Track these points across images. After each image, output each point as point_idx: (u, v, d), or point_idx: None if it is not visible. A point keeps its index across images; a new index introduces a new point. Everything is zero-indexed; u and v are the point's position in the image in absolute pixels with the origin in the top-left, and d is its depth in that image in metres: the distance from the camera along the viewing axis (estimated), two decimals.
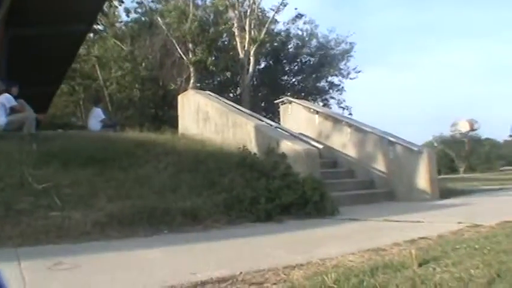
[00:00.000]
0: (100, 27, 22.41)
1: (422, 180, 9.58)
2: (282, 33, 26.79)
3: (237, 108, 11.22)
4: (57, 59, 13.06)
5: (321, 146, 8.98)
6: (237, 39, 22.87)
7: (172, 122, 14.65)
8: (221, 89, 23.06)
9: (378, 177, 10.35)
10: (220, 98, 12.39)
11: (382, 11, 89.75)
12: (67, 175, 6.64)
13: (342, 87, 27.40)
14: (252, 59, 22.86)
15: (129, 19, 24.02)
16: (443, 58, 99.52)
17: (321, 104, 25.69)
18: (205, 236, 5.49)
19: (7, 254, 4.24)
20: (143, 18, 23.84)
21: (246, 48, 22.58)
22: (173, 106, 15.06)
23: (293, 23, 26.45)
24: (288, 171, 7.67)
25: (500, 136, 57.83)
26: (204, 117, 11.37)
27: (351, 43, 26.91)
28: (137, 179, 7.03)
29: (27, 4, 10.13)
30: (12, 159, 6.88)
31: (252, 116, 10.62)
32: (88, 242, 4.97)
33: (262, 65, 27.20)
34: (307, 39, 27.14)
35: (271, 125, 10.02)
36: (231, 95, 25.09)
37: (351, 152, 11.02)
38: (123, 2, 22.95)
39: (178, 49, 21.99)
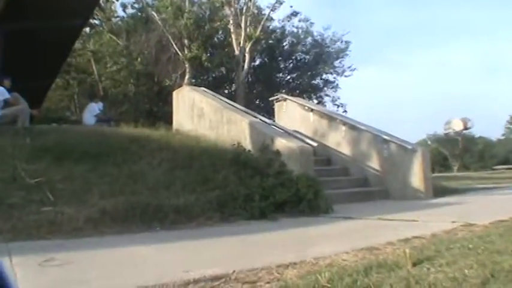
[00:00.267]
0: (96, 21, 22.32)
1: (417, 178, 9.59)
2: (278, 30, 26.76)
3: (232, 105, 11.21)
4: (53, 53, 12.96)
5: (315, 144, 8.97)
6: (233, 36, 22.82)
7: (167, 118, 14.60)
8: (216, 86, 22.97)
9: (372, 175, 10.36)
10: (215, 94, 12.35)
11: (378, 9, 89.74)
12: (60, 170, 6.60)
13: (337, 84, 27.43)
14: (247, 55, 22.82)
15: (125, 14, 23.96)
16: (438, 57, 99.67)
17: (316, 101, 25.64)
18: (198, 233, 5.47)
19: None
20: (139, 14, 23.76)
21: (241, 45, 22.55)
22: (168, 102, 15.02)
23: (288, 21, 26.42)
24: (282, 169, 7.66)
25: (494, 135, 58.09)
26: (199, 114, 11.34)
27: (346, 42, 26.94)
28: (131, 175, 7.00)
29: None
30: (5, 153, 6.84)
31: (247, 112, 10.60)
32: (80, 238, 4.95)
33: (258, 62, 27.15)
34: (302, 36, 27.10)
35: (265, 122, 10.00)
36: (226, 91, 25.00)
37: (345, 149, 11.02)
38: None
39: (174, 45, 21.93)
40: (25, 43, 11.26)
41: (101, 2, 18.03)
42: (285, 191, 6.98)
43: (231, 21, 22.72)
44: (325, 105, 25.41)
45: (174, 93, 13.27)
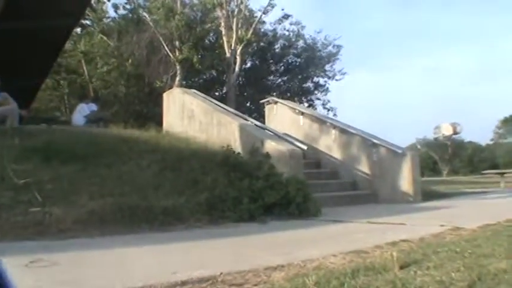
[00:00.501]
0: (88, 22, 22.24)
1: (406, 182, 9.64)
2: (269, 33, 26.77)
3: (222, 107, 11.20)
4: (43, 53, 12.89)
5: (305, 147, 8.99)
6: (224, 38, 22.78)
7: (157, 120, 14.55)
8: (207, 88, 22.92)
9: (361, 178, 10.40)
10: (206, 96, 12.34)
11: (370, 14, 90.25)
12: (49, 170, 6.57)
13: (327, 88, 27.46)
14: (238, 58, 22.79)
15: (116, 15, 23.86)
16: (429, 62, 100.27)
17: (306, 104, 25.69)
18: (187, 235, 5.46)
19: None
20: (130, 15, 23.68)
21: (232, 47, 22.51)
22: (158, 103, 14.94)
23: (280, 23, 26.42)
24: (272, 172, 7.65)
25: (483, 140, 58.53)
26: (189, 115, 11.33)
27: (337, 46, 26.98)
28: (120, 176, 6.97)
29: None
30: None
31: (237, 115, 10.61)
32: (68, 239, 4.92)
33: (249, 64, 27.12)
34: (293, 40, 27.12)
35: (255, 125, 10.00)
36: (217, 93, 24.98)
37: (335, 153, 11.05)
38: None
39: (165, 46, 21.87)
40: (15, 42, 11.17)
41: (92, 2, 17.98)
42: (274, 193, 6.98)
43: (223, 24, 22.68)
44: (316, 109, 25.42)
45: (165, 95, 13.24)
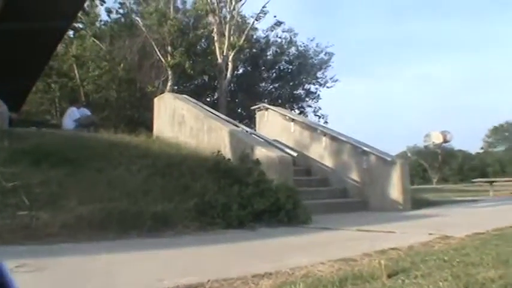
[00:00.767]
0: (80, 25, 22.17)
1: (395, 190, 9.65)
2: (261, 40, 26.83)
3: (213, 113, 11.18)
4: (35, 56, 12.84)
5: (295, 154, 8.98)
6: (216, 44, 22.77)
7: (148, 124, 14.53)
8: (198, 93, 22.92)
9: (351, 186, 10.40)
10: (197, 102, 12.32)
11: (361, 23, 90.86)
12: (38, 174, 6.51)
13: (318, 95, 27.52)
14: (230, 64, 22.80)
15: (109, 19, 23.84)
16: (420, 70, 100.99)
17: (298, 111, 25.73)
18: (175, 241, 5.43)
19: None
20: (123, 20, 23.65)
21: (224, 53, 22.52)
22: (150, 108, 14.91)
23: (272, 30, 26.49)
24: (262, 178, 7.64)
25: (473, 148, 58.98)
26: (180, 121, 11.30)
27: (329, 53, 27.07)
28: (109, 181, 6.92)
29: None
30: None
31: (228, 121, 10.59)
32: (55, 243, 4.87)
33: (241, 70, 27.17)
34: (285, 47, 27.19)
35: (246, 131, 10.00)
36: (208, 99, 24.98)
37: (326, 160, 11.06)
38: (104, 2, 22.77)
39: (157, 51, 21.86)
40: (6, 44, 11.12)
41: (85, 6, 17.92)
42: (263, 200, 6.96)
43: (215, 30, 22.69)
44: (307, 116, 25.48)
45: (156, 100, 13.20)
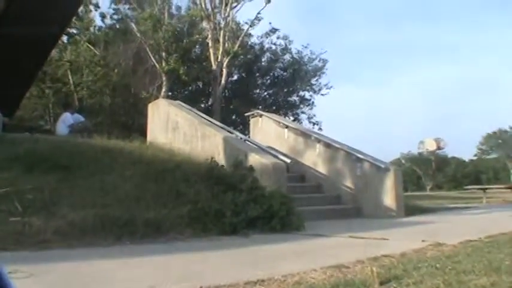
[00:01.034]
0: (74, 30, 22.12)
1: (389, 197, 9.67)
2: (256, 46, 26.86)
3: (207, 120, 11.18)
4: (28, 61, 12.80)
5: (288, 160, 8.99)
6: (211, 50, 22.78)
7: (141, 130, 14.49)
8: (193, 99, 22.89)
9: (345, 193, 10.41)
10: (191, 108, 12.32)
11: (356, 31, 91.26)
12: (30, 180, 6.49)
13: (313, 102, 27.54)
14: (224, 70, 22.80)
15: (104, 24, 23.80)
16: (412, 77, 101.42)
17: (292, 118, 25.73)
18: (168, 248, 5.42)
19: None
20: (118, 26, 23.63)
21: (219, 59, 22.51)
22: (144, 114, 14.88)
23: (267, 37, 26.55)
24: (255, 185, 7.63)
25: (466, 155, 59.20)
26: (174, 127, 11.29)
27: (323, 60, 27.13)
28: (102, 187, 6.91)
29: None
30: None
31: (222, 127, 10.60)
32: (48, 250, 4.86)
33: (235, 77, 27.16)
34: (280, 54, 27.23)
35: (240, 138, 10.00)
36: (203, 105, 24.93)
37: (319, 167, 11.07)
38: (99, 7, 22.76)
39: (152, 57, 21.84)
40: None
41: (79, 11, 17.90)
42: (257, 207, 6.95)
43: (210, 36, 22.69)
44: (301, 123, 25.49)
45: (150, 106, 13.20)
